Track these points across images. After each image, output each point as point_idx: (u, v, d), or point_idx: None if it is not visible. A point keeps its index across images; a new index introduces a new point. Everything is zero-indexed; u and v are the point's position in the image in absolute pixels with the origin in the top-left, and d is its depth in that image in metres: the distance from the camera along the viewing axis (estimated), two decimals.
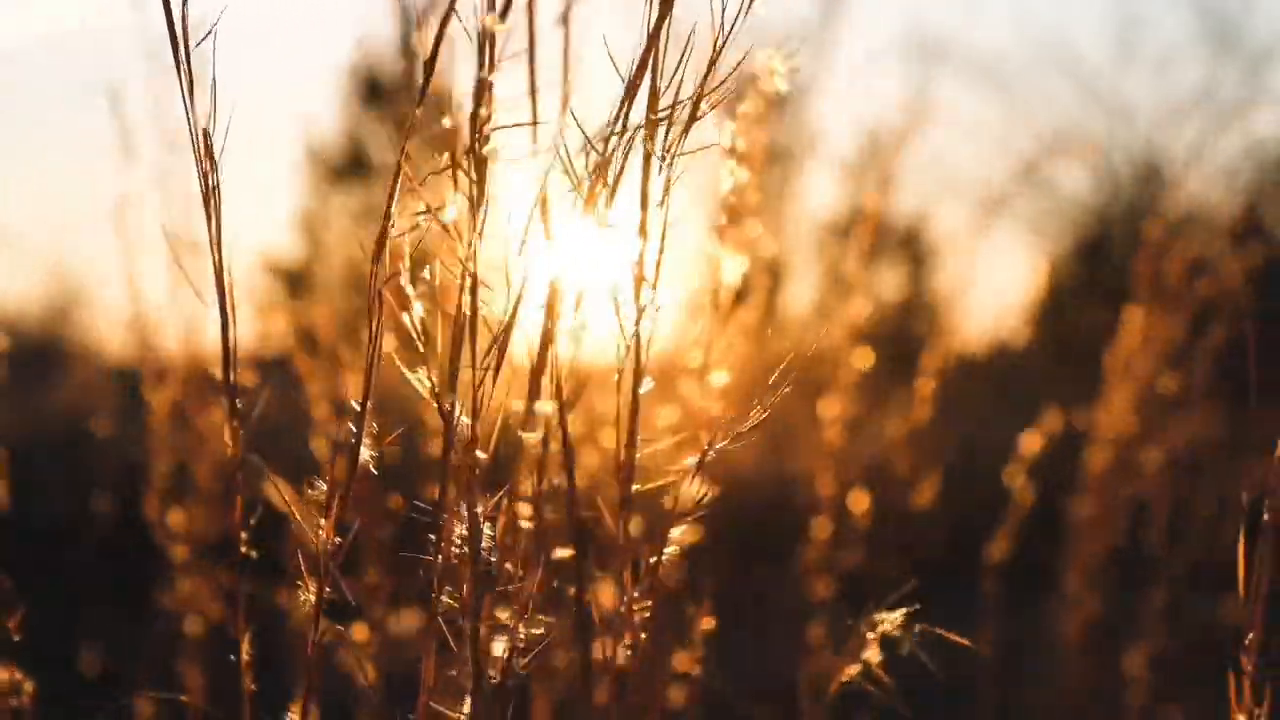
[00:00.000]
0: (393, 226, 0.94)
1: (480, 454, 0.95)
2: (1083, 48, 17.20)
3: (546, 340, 0.96)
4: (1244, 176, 11.28)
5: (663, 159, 0.97)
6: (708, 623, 1.42)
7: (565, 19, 0.97)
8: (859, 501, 2.24)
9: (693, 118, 0.97)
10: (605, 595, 1.06)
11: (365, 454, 0.98)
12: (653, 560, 1.01)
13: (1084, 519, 2.54)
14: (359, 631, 1.84)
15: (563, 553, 1.01)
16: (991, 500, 2.55)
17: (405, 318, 0.94)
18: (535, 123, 0.94)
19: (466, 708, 0.96)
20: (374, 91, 12.63)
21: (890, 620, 1.02)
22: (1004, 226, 12.52)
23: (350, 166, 13.09)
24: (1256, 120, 11.72)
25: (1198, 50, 14.21)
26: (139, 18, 1.91)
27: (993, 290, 15.36)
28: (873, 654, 1.03)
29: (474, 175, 0.93)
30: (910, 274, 11.94)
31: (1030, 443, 2.45)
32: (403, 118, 1.76)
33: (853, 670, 1.03)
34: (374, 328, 0.96)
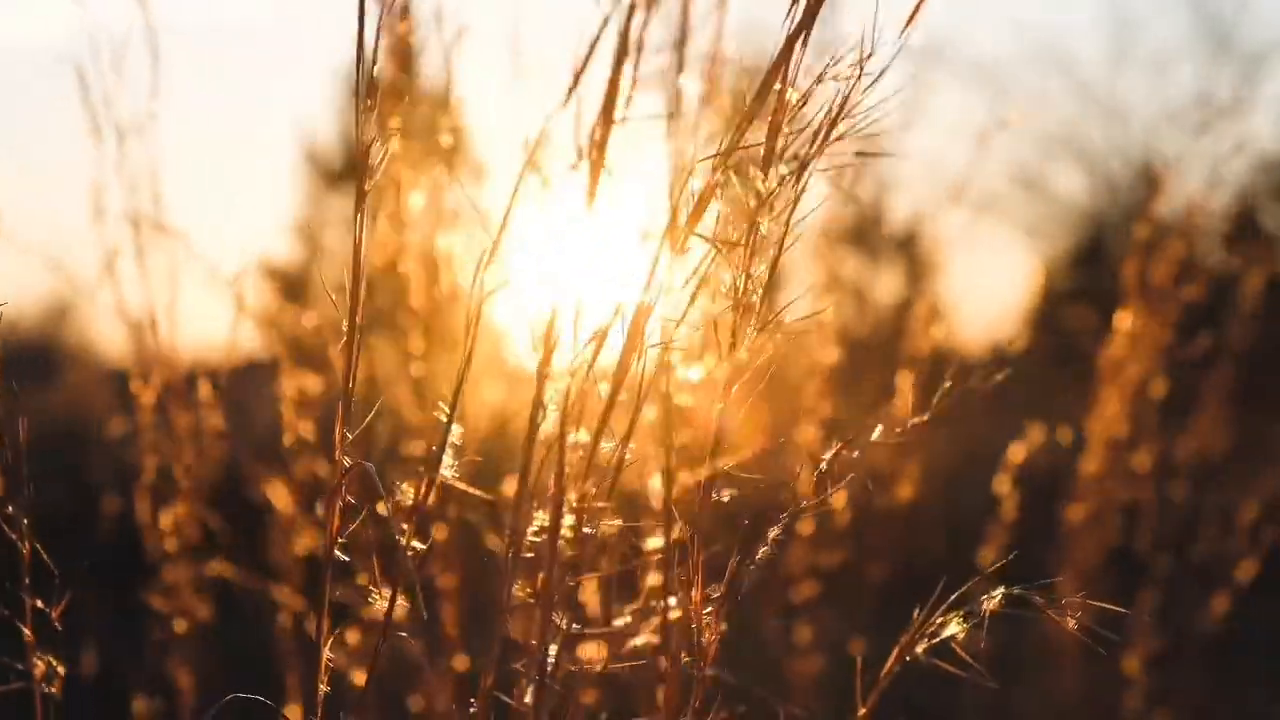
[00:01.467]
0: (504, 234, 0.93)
1: (582, 434, 0.94)
2: (1079, 50, 17.23)
3: (631, 348, 0.94)
4: (1240, 179, 11.29)
5: (794, 183, 0.95)
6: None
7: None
8: (843, 509, 2.24)
9: (824, 146, 0.95)
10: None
11: (447, 464, 0.98)
12: (737, 563, 1.00)
13: (1078, 522, 2.54)
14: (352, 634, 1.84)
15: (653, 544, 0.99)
16: (988, 504, 2.56)
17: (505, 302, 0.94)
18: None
19: (528, 698, 0.96)
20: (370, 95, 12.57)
21: (994, 598, 1.00)
22: (1000, 229, 12.52)
23: (347, 170, 13.06)
24: (1252, 123, 11.73)
25: (1193, 53, 14.23)
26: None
27: (989, 293, 15.37)
28: (957, 629, 1.01)
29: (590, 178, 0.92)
30: (907, 277, 11.94)
31: (1017, 453, 2.45)
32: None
33: (921, 649, 1.02)
34: (469, 343, 0.95)
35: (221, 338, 2.05)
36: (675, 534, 0.98)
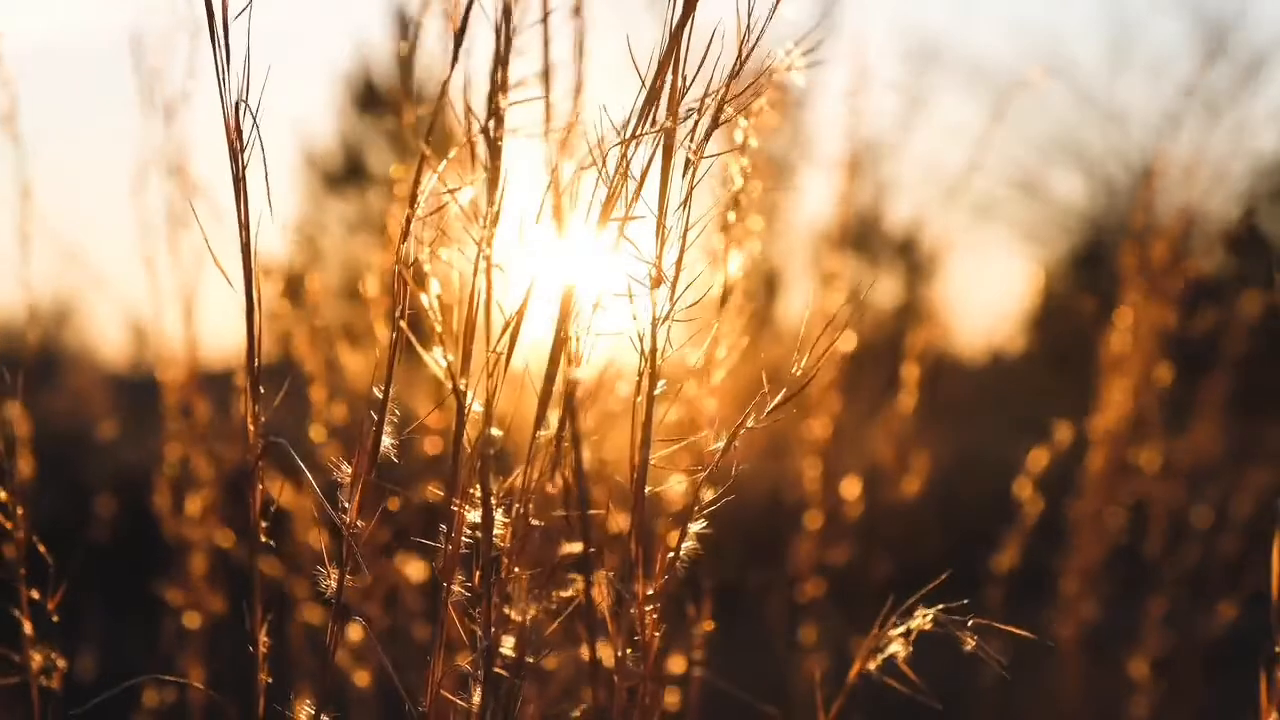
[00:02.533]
0: (417, 211, 0.93)
1: (496, 432, 0.94)
2: (1078, 53, 17.24)
3: (560, 338, 0.95)
4: (1239, 183, 11.30)
5: (687, 161, 0.96)
6: (708, 625, 1.41)
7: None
8: (851, 503, 2.25)
9: (716, 119, 0.96)
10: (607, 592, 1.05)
11: (386, 442, 0.98)
12: (669, 555, 1.00)
13: (1082, 524, 2.53)
14: (355, 631, 1.84)
15: (572, 548, 1.00)
16: (987, 505, 2.55)
17: (423, 298, 0.94)
18: (546, 101, 0.93)
19: (476, 698, 0.96)
20: (370, 97, 12.62)
21: (925, 617, 1.00)
22: (999, 233, 12.53)
23: (347, 173, 13.08)
24: (1251, 126, 11.74)
25: (1192, 56, 14.24)
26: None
27: (988, 297, 15.37)
28: (900, 649, 1.01)
29: (490, 157, 0.92)
30: (906, 280, 11.94)
31: (1038, 459, 2.44)
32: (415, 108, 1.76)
33: (872, 665, 1.02)
34: (397, 314, 0.96)
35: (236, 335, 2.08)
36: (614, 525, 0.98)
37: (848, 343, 2.20)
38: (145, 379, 2.16)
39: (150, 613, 2.14)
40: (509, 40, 0.92)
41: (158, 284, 2.08)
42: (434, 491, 0.98)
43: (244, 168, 0.96)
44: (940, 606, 1.00)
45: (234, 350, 2.13)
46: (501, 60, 0.92)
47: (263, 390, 1.00)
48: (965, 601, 1.00)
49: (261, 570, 1.02)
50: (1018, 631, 1.03)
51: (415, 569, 1.88)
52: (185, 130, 2.03)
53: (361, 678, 1.91)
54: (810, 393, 2.21)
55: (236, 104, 0.94)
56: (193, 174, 2.04)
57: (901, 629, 1.02)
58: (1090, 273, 11.79)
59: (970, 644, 0.99)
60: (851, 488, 2.25)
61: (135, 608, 2.24)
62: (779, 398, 0.98)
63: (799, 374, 0.98)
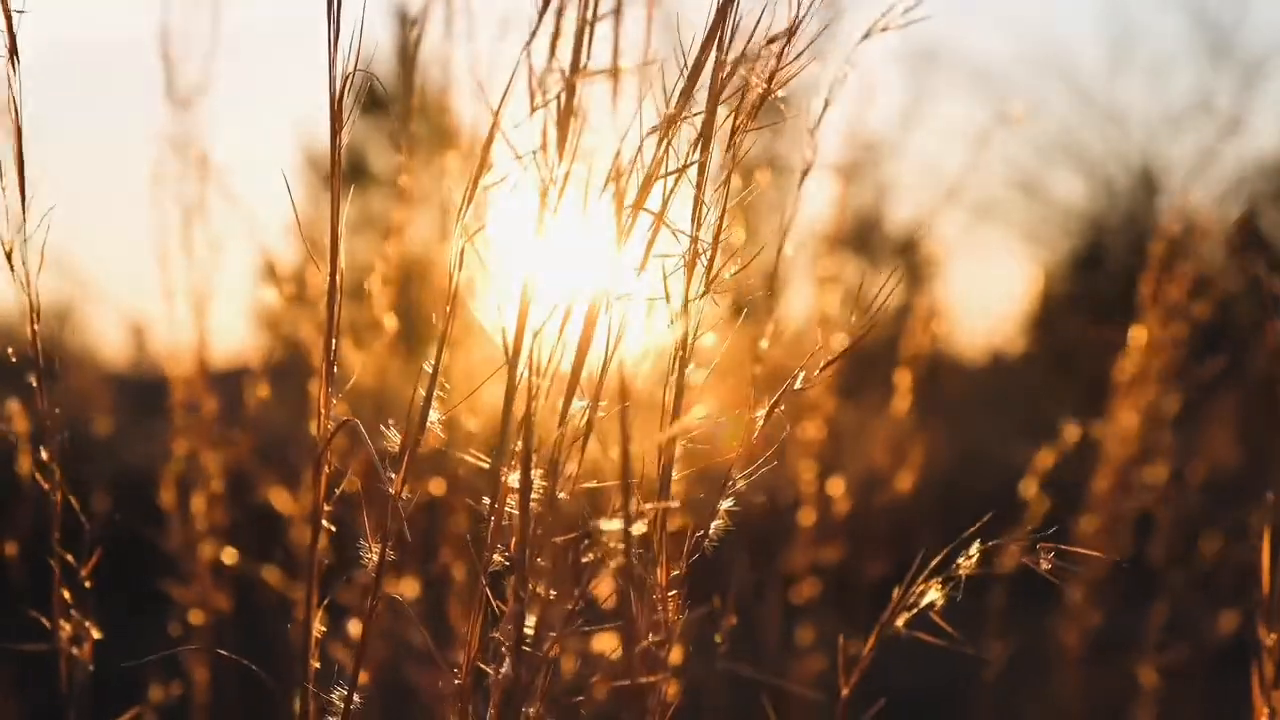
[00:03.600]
0: (481, 187, 0.94)
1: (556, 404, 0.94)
2: (1079, 55, 17.24)
3: (592, 321, 0.95)
4: (1240, 185, 11.29)
5: (731, 141, 0.96)
6: (730, 620, 1.41)
7: None
8: (840, 501, 2.25)
9: (762, 102, 0.96)
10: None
11: (433, 416, 0.97)
12: (698, 534, 0.99)
13: (1088, 531, 2.53)
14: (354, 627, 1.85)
15: (609, 525, 1.00)
16: (987, 506, 2.55)
17: (487, 263, 0.94)
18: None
19: (505, 668, 0.95)
20: (372, 98, 12.60)
21: (972, 555, 0.99)
22: (1000, 235, 12.52)
23: (348, 173, 13.05)
24: (1252, 128, 11.74)
25: (1193, 59, 14.25)
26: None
27: (988, 298, 15.37)
28: (936, 596, 1.00)
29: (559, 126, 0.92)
30: (906, 282, 11.94)
31: (1044, 460, 2.44)
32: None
33: (900, 622, 1.01)
34: (452, 289, 0.96)
35: (240, 336, 2.10)
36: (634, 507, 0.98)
37: (840, 343, 2.20)
38: (147, 379, 2.17)
39: (157, 612, 2.14)
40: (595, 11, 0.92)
41: (170, 278, 2.09)
42: (478, 457, 0.97)
43: (341, 149, 0.97)
44: (991, 543, 0.99)
45: (241, 348, 2.14)
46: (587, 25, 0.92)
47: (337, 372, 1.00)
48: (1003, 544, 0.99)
49: (316, 557, 1.02)
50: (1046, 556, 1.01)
51: (409, 586, 1.89)
52: (202, 121, 2.04)
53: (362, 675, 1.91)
54: (808, 395, 2.22)
55: (345, 78, 0.95)
56: (211, 164, 2.05)
57: (941, 577, 1.00)
58: (1090, 274, 11.77)
59: (1047, 565, 0.98)
60: (838, 486, 2.25)
61: (141, 606, 2.25)
62: (816, 368, 0.97)
63: (818, 351, 0.98)
